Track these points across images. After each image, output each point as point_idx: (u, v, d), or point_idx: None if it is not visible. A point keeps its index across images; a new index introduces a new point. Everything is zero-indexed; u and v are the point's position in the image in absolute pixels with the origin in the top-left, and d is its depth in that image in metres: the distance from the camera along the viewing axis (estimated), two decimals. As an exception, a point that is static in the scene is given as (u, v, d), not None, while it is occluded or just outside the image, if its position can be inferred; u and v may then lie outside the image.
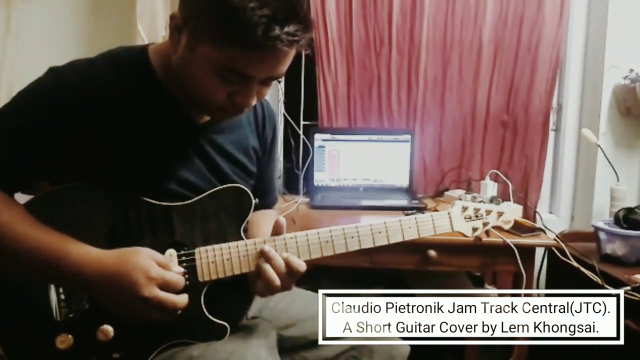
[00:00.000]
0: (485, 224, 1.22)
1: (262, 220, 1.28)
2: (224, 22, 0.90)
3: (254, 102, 1.02)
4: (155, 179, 1.07)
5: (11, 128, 0.98)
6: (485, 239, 1.24)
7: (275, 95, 2.38)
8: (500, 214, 1.23)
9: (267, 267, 1.04)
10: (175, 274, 0.99)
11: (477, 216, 1.22)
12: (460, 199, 1.23)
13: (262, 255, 1.06)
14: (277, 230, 1.09)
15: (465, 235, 1.22)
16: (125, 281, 0.93)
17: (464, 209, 1.21)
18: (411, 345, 1.33)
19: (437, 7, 2.28)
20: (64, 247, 0.95)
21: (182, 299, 0.98)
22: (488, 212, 1.23)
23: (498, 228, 1.25)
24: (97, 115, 1.00)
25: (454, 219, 1.20)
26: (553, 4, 2.24)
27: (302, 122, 2.41)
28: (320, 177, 2.29)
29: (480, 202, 1.23)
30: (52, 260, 0.94)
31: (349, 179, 2.30)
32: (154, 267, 0.95)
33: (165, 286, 0.96)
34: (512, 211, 1.26)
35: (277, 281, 1.04)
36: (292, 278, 1.07)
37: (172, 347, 1.08)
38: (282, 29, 0.89)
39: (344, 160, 2.29)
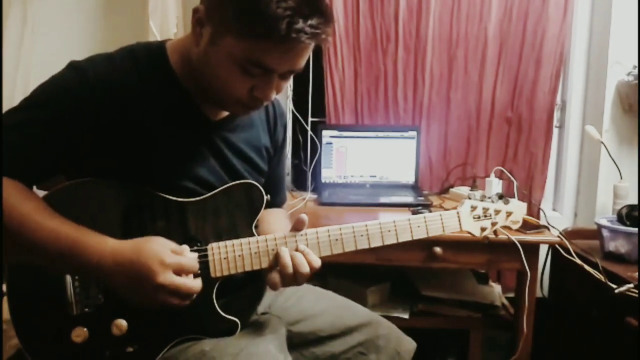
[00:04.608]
0: (493, 224, 1.22)
1: (273, 218, 1.29)
2: (248, 14, 0.92)
3: (273, 96, 1.04)
4: (170, 175, 1.08)
5: (31, 121, 0.99)
6: (492, 237, 1.24)
7: (283, 91, 2.37)
8: (509, 214, 1.23)
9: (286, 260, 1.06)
10: (189, 258, 1.00)
11: (485, 215, 1.22)
12: (470, 198, 1.22)
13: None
14: (298, 227, 1.10)
15: (473, 235, 1.22)
16: (141, 269, 0.94)
17: (473, 208, 1.21)
18: (416, 342, 1.36)
19: (443, 3, 2.28)
20: (81, 238, 0.95)
21: (197, 283, 0.99)
22: (497, 212, 1.22)
23: (506, 228, 1.25)
24: (115, 110, 1.01)
25: (462, 219, 1.20)
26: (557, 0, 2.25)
27: (310, 119, 2.43)
28: (327, 174, 2.31)
29: (489, 200, 1.23)
30: (69, 251, 0.94)
31: (356, 176, 2.31)
32: (168, 254, 0.96)
33: (180, 270, 0.97)
34: (520, 210, 1.26)
35: (290, 264, 1.06)
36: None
37: (184, 341, 1.09)
38: (305, 22, 0.91)
39: (351, 157, 2.30)
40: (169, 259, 0.96)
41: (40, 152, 1.00)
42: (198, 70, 1.04)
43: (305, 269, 1.05)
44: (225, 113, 1.16)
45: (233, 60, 0.96)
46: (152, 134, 1.06)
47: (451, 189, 2.29)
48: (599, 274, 1.74)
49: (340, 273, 2.11)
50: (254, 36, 0.93)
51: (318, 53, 2.32)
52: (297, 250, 1.08)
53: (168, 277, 0.95)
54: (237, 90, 1.01)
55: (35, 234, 0.94)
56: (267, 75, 0.99)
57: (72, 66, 1.03)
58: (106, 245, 0.96)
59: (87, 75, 1.00)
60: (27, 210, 0.95)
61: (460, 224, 1.20)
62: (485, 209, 1.22)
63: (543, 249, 1.93)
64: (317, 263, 1.08)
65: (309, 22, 0.92)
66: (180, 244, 1.06)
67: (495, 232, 1.24)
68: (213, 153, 1.14)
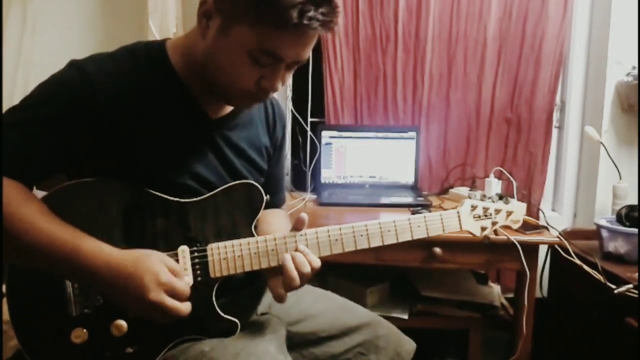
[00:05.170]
0: (494, 224, 1.21)
1: (272, 218, 1.29)
2: (261, 3, 0.93)
3: (279, 87, 1.05)
4: (170, 173, 1.08)
5: (32, 119, 0.99)
6: (492, 237, 1.24)
7: (283, 91, 2.39)
8: (509, 214, 1.23)
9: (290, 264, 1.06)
10: (184, 283, 0.99)
11: (486, 215, 1.21)
12: (470, 198, 1.22)
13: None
14: (298, 227, 1.10)
15: (473, 235, 1.21)
16: (135, 283, 0.94)
17: (473, 207, 1.21)
18: (416, 342, 1.35)
19: (443, 3, 2.29)
20: (79, 244, 0.95)
21: (186, 307, 0.98)
22: (497, 212, 1.22)
23: (506, 227, 1.25)
24: (115, 108, 1.01)
25: (462, 218, 1.19)
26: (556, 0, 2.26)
27: (309, 119, 2.43)
28: (327, 174, 2.31)
29: (490, 200, 1.23)
30: (66, 256, 0.94)
31: (356, 176, 2.32)
32: (165, 273, 0.96)
33: (172, 293, 0.96)
34: (520, 210, 1.26)
35: (297, 276, 1.05)
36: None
37: (184, 342, 1.10)
38: (317, 10, 0.93)
39: (351, 157, 2.31)
40: (163, 278, 0.95)
41: (40, 151, 0.99)
42: (203, 64, 1.04)
43: (306, 268, 1.05)
44: (225, 111, 1.16)
45: (243, 50, 0.97)
46: (152, 132, 1.06)
47: (451, 190, 2.30)
48: (598, 274, 1.74)
49: (340, 273, 2.11)
50: (266, 24, 0.94)
51: (318, 53, 2.32)
52: (296, 250, 1.08)
53: (159, 296, 0.94)
54: (244, 80, 1.01)
55: (34, 238, 0.94)
56: (275, 64, 1.00)
57: (73, 65, 1.03)
58: (102, 254, 0.96)
59: (88, 73, 1.00)
60: (26, 213, 0.95)
61: (460, 224, 1.19)
62: (486, 209, 1.21)
63: (542, 250, 1.93)
64: (317, 263, 1.08)
65: (320, 10, 0.94)
66: (180, 244, 1.06)
67: (495, 232, 1.23)
68: (213, 151, 1.14)
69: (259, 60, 0.98)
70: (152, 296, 0.94)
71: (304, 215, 1.10)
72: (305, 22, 0.93)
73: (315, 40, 1.03)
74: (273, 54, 0.98)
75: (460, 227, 1.20)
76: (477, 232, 1.21)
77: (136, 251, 0.99)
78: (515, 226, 1.25)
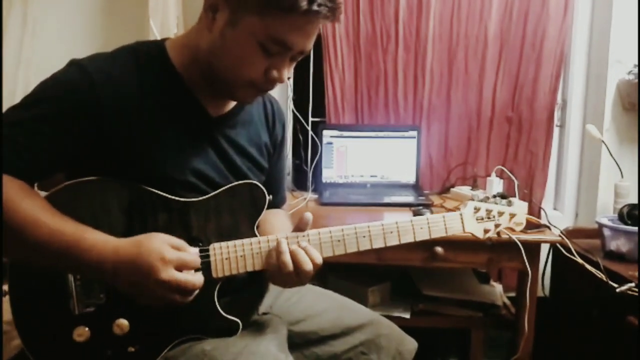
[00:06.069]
0: (497, 226, 1.21)
1: (274, 218, 1.29)
2: None
3: (286, 78, 1.06)
4: (172, 170, 1.08)
5: (32, 118, 0.99)
6: (494, 237, 1.24)
7: (284, 91, 2.39)
8: (512, 216, 1.23)
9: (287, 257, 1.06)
10: (191, 253, 1.00)
11: (489, 217, 1.21)
12: (473, 199, 1.22)
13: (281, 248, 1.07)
14: (301, 227, 1.10)
15: (476, 237, 1.21)
16: (142, 266, 0.94)
17: (476, 209, 1.20)
18: (417, 341, 1.35)
19: (443, 3, 2.29)
20: (83, 236, 0.95)
21: (199, 278, 0.99)
22: (500, 214, 1.22)
23: (509, 229, 1.25)
24: (116, 107, 1.02)
25: (465, 220, 1.19)
26: (557, -1, 2.26)
27: (310, 119, 2.42)
28: (328, 174, 2.31)
29: (493, 201, 1.22)
30: (70, 249, 0.94)
31: (357, 176, 2.31)
32: (169, 250, 0.96)
33: (182, 266, 0.97)
34: (523, 212, 1.25)
35: (290, 260, 1.05)
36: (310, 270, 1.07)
37: (186, 341, 1.10)
38: None
39: (352, 156, 2.30)
40: (169, 255, 0.96)
41: (41, 149, 0.99)
42: (207, 58, 1.05)
43: (308, 266, 1.05)
44: (226, 109, 1.16)
45: (253, 39, 0.99)
46: (153, 130, 1.06)
47: (452, 189, 2.30)
48: (600, 273, 1.74)
49: (341, 273, 2.11)
50: (276, 12, 0.96)
51: (318, 53, 2.32)
52: (298, 246, 1.07)
53: (169, 274, 0.95)
54: (253, 71, 1.02)
55: (37, 232, 0.94)
56: (283, 53, 1.02)
57: (73, 63, 1.03)
58: (107, 244, 0.96)
59: (89, 72, 1.01)
60: (28, 208, 0.95)
61: (463, 226, 1.19)
62: (489, 211, 1.21)
63: (544, 248, 1.93)
64: (319, 259, 1.07)
65: None
66: (183, 243, 1.06)
67: (498, 234, 1.23)
68: (214, 149, 1.14)
69: (268, 49, 1.00)
70: (163, 276, 0.94)
71: (309, 215, 1.10)
72: (315, 8, 0.95)
73: (317, 32, 1.04)
74: (282, 41, 0.99)
75: (463, 229, 1.20)
76: (480, 235, 1.21)
77: (137, 236, 0.99)
78: (518, 228, 1.25)
